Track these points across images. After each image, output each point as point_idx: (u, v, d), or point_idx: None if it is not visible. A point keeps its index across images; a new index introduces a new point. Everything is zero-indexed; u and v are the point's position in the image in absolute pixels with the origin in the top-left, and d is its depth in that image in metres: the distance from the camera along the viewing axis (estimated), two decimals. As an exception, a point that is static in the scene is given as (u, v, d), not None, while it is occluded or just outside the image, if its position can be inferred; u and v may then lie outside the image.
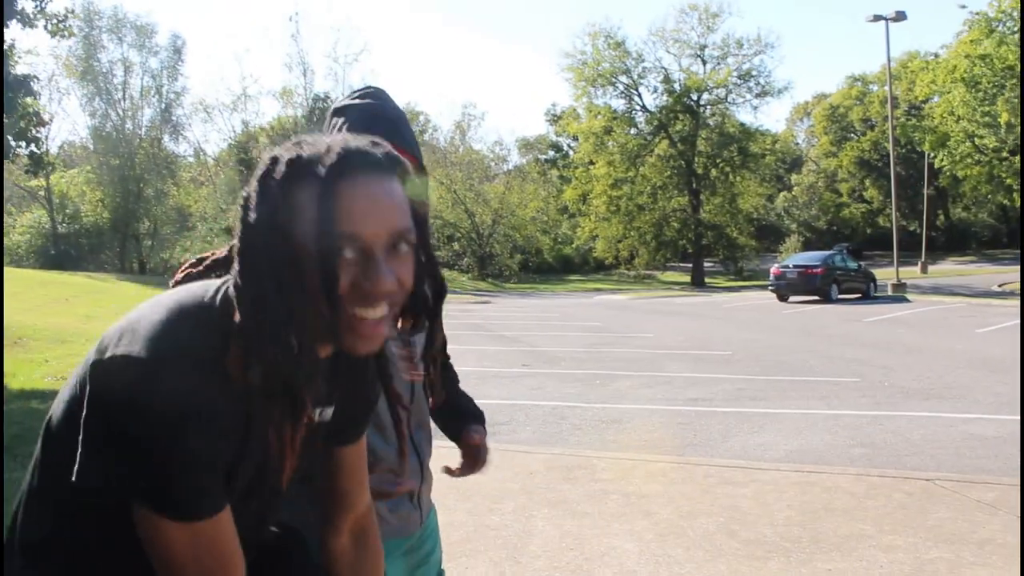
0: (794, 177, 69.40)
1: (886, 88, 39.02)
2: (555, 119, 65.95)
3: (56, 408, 1.16)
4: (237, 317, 1.06)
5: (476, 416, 2.16)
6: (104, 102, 45.41)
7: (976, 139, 31.03)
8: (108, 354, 1.05)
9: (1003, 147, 30.84)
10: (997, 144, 30.78)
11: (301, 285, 1.05)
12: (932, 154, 35.09)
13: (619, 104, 47.53)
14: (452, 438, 2.13)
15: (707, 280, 44.43)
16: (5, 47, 12.97)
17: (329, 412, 1.27)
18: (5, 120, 12.64)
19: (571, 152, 59.79)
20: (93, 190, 44.88)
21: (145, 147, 46.43)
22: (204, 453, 1.04)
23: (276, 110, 72.63)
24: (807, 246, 54.31)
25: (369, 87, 1.89)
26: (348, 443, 1.39)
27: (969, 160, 31.56)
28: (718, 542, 4.44)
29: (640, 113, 47.79)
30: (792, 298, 26.48)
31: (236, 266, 1.10)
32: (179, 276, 1.36)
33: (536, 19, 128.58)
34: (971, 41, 30.24)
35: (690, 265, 46.78)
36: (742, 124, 46.70)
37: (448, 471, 2.11)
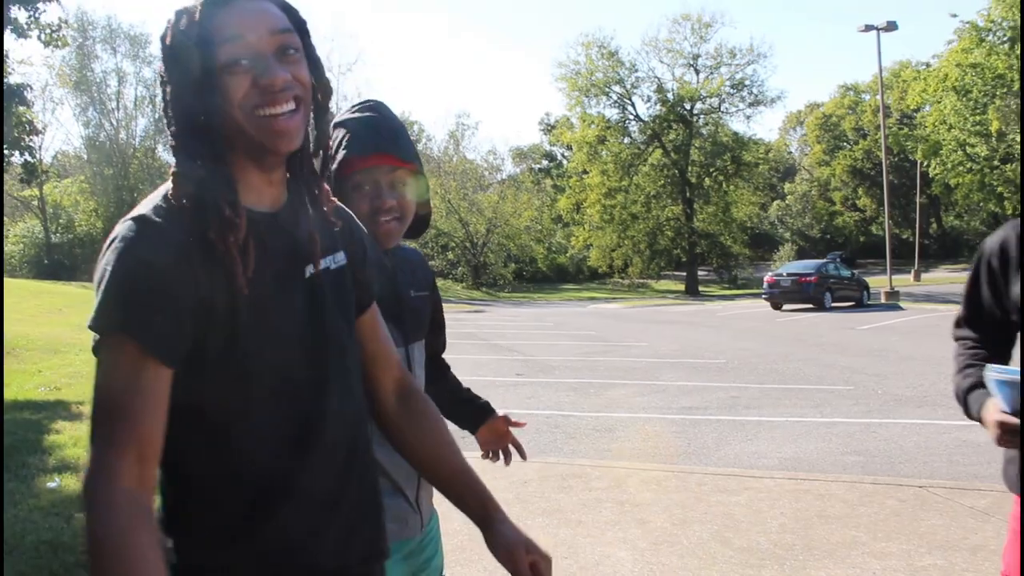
0: (787, 186, 69.61)
1: (878, 97, 39.18)
2: (549, 128, 66.08)
3: None
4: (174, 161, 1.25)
5: (488, 406, 2.32)
6: (98, 112, 45.43)
7: (968, 148, 31.20)
8: None
9: (994, 155, 31.00)
10: (988, 152, 30.95)
11: (211, 103, 1.21)
12: (924, 163, 35.28)
13: (612, 113, 47.67)
14: (472, 429, 2.30)
15: (701, 289, 44.50)
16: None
17: (340, 259, 1.41)
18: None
19: (565, 161, 59.93)
20: (87, 200, 44.82)
21: (139, 157, 46.39)
22: (148, 289, 1.16)
23: (269, 120, 72.49)
24: (801, 254, 54.47)
25: (368, 100, 1.96)
26: (363, 306, 1.51)
27: (961, 168, 31.72)
28: (712, 550, 4.45)
29: (634, 122, 47.92)
30: (786, 306, 26.55)
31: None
32: None
33: (530, 29, 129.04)
34: (962, 50, 30.44)
35: (684, 274, 46.82)
36: (735, 133, 46.85)
37: (488, 456, 2.34)
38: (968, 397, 2.04)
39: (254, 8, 1.25)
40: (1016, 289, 1.99)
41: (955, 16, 30.77)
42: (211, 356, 1.21)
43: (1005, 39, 29.30)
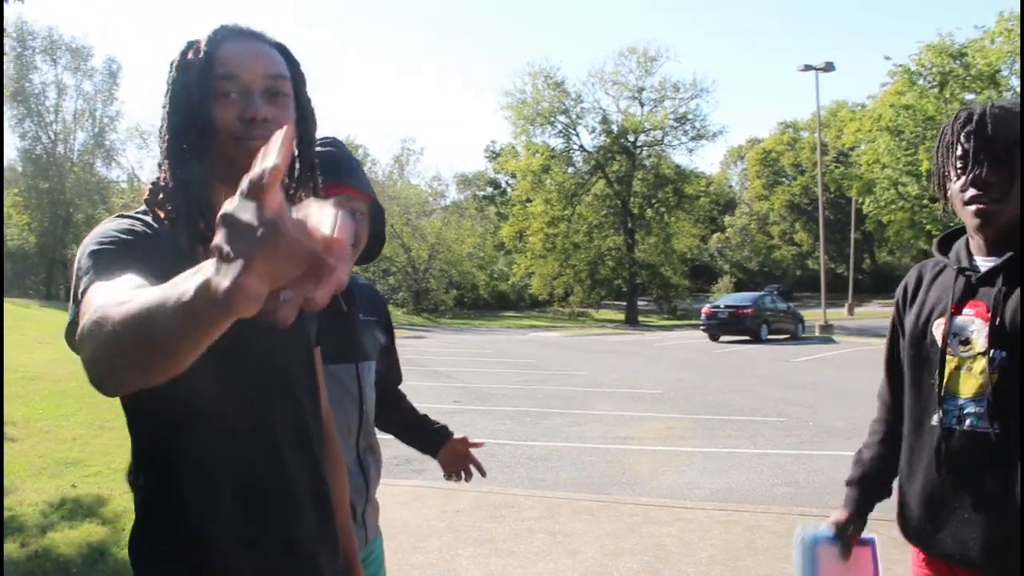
0: (727, 219, 70.83)
1: (816, 135, 40.18)
2: (494, 156, 66.36)
3: None
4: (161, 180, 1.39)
5: (445, 429, 2.47)
6: (35, 124, 44.47)
7: (900, 186, 32.03)
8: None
9: (924, 194, 31.88)
10: (919, 191, 31.82)
11: (200, 131, 1.34)
12: (859, 200, 36.11)
13: (557, 143, 48.01)
14: (432, 452, 2.42)
15: (641, 319, 44.86)
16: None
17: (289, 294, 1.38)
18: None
19: (509, 189, 60.14)
20: (20, 213, 43.68)
21: (76, 171, 45.47)
22: (118, 245, 1.26)
23: (213, 139, 71.67)
24: (739, 287, 55.29)
25: (327, 137, 2.09)
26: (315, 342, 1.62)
27: (893, 206, 32.52)
28: (641, 581, 4.43)
29: (578, 152, 48.33)
30: (723, 337, 26.89)
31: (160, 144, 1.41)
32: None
33: (478, 57, 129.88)
34: (895, 92, 31.33)
35: (624, 303, 47.19)
36: (677, 166, 47.51)
37: (451, 477, 2.45)
38: (847, 485, 2.24)
39: (254, 48, 1.40)
40: (909, 319, 2.03)
41: (888, 59, 31.79)
42: None
43: (934, 83, 30.28)
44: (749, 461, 7.88)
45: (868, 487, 2.18)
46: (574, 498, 6.29)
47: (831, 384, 14.21)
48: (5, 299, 30.91)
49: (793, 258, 68.98)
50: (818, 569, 2.09)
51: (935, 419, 1.90)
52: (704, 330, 27.42)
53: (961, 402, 1.86)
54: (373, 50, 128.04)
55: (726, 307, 27.15)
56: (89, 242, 1.27)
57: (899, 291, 2.13)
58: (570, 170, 47.93)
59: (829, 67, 32.06)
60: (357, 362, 2.02)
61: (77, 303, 1.21)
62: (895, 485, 2.14)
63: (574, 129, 47.62)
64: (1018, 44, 29.42)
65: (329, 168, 1.91)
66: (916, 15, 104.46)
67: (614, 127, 46.79)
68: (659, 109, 47.25)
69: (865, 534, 2.19)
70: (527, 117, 46.71)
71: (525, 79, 47.34)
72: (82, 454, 7.00)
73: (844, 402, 11.74)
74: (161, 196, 1.37)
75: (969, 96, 29.92)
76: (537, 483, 7.00)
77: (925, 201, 31.72)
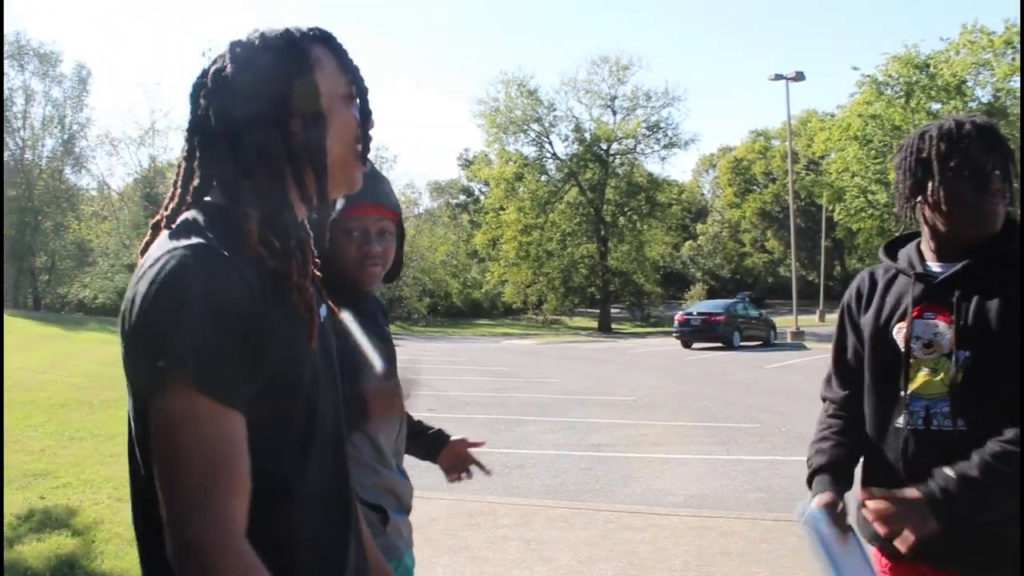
0: (699, 226, 71.22)
1: (787, 143, 40.58)
2: (467, 164, 66.39)
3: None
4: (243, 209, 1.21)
5: (442, 433, 2.45)
6: (2, 130, 43.84)
7: (869, 194, 32.44)
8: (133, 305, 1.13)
9: (893, 202, 32.29)
10: (888, 199, 32.23)
11: (318, 138, 1.25)
12: (829, 207, 36.55)
13: (530, 151, 48.10)
14: (432, 458, 2.41)
15: (614, 326, 44.99)
16: None
17: (324, 311, 1.38)
18: None
19: (482, 197, 60.16)
20: (-14, 221, 43.08)
21: (45, 178, 44.90)
22: (228, 338, 1.10)
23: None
24: (711, 294, 55.60)
25: None
26: None
27: (863, 214, 32.92)
28: (616, 588, 4.45)
29: (551, 160, 48.45)
30: (696, 344, 27.03)
31: (224, 160, 1.23)
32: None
33: (452, 65, 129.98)
34: (863, 102, 31.74)
35: (597, 311, 47.30)
36: (650, 174, 47.74)
37: (454, 480, 2.42)
38: (812, 481, 2.16)
39: (345, 54, 1.33)
40: (867, 323, 2.06)
41: (857, 69, 32.11)
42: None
43: (901, 93, 30.71)
44: (722, 467, 7.93)
45: (839, 471, 2.11)
46: (549, 505, 6.30)
47: (803, 390, 14.32)
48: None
49: (765, 265, 69.50)
50: (833, 545, 2.01)
51: (900, 421, 1.94)
52: (677, 337, 27.55)
53: (927, 403, 1.90)
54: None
55: (699, 314, 27.30)
56: (188, 323, 1.08)
57: (850, 295, 2.15)
58: (543, 178, 48.04)
59: (799, 76, 32.40)
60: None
61: (161, 414, 1.09)
62: (855, 485, 2.15)
63: (547, 137, 47.77)
64: (981, 56, 29.92)
65: (365, 188, 1.90)
66: (883, 27, 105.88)
67: (587, 135, 46.97)
68: (631, 117, 47.49)
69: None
70: (500, 125, 46.78)
71: (498, 87, 47.32)
72: (51, 465, 6.91)
73: (816, 408, 11.73)
74: (267, 234, 1.19)
75: (935, 106, 30.39)
76: (512, 491, 7.00)
77: (894, 208, 32.14)
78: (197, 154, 1.27)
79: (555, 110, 47.64)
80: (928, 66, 30.37)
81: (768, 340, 28.48)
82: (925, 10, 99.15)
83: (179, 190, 1.28)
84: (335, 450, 1.32)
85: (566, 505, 6.34)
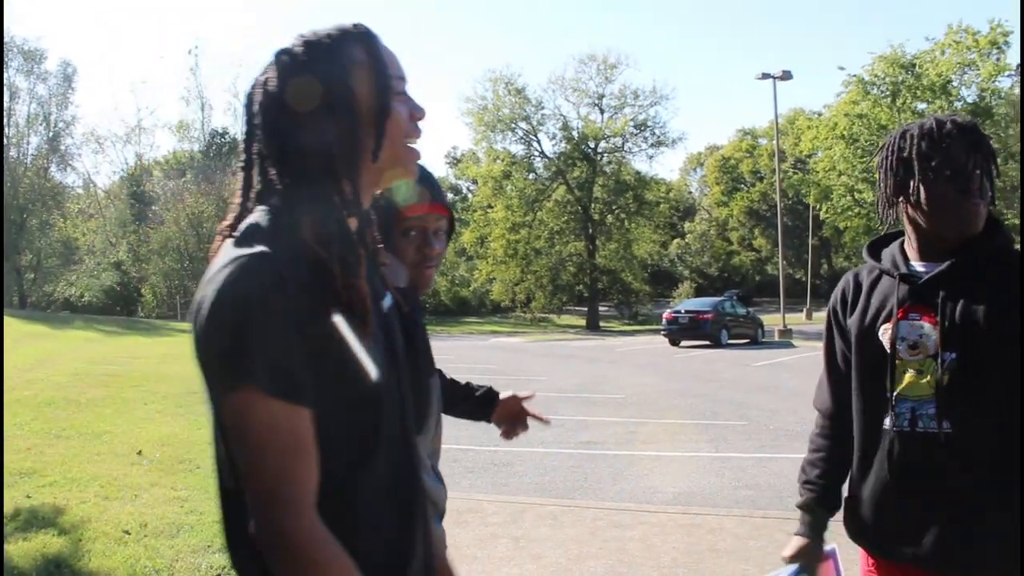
0: (687, 225, 71.41)
1: (774, 142, 40.71)
2: (455, 162, 66.39)
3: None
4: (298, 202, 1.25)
5: (491, 391, 2.42)
6: (-14, 128, 43.55)
7: (855, 193, 32.59)
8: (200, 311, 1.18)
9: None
10: (874, 198, 32.38)
11: (380, 134, 1.30)
12: (816, 206, 36.70)
13: (518, 149, 48.09)
14: (487, 418, 2.40)
15: (602, 324, 45.05)
16: None
17: (388, 302, 1.44)
18: None
19: (470, 195, 60.15)
20: (-30, 219, 42.80)
21: (30, 176, 44.63)
22: (292, 339, 1.16)
23: (172, 144, 71.02)
24: (699, 292, 55.73)
25: None
26: None
27: (849, 213, 33.08)
28: (605, 585, 4.45)
29: (539, 159, 48.45)
30: (684, 342, 27.09)
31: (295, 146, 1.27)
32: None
33: (439, 62, 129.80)
34: (850, 101, 31.89)
35: (585, 309, 47.34)
36: (638, 172, 47.79)
37: (510, 436, 2.42)
38: (800, 509, 2.24)
39: (390, 52, 1.37)
40: (853, 325, 2.06)
41: (843, 69, 32.25)
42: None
43: (887, 92, 30.86)
44: (710, 465, 7.95)
45: (821, 510, 2.18)
46: (537, 503, 6.30)
47: (790, 388, 14.38)
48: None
49: (752, 263, 69.75)
50: None
51: (887, 422, 1.94)
52: (665, 335, 27.61)
53: (913, 404, 1.90)
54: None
55: (686, 312, 27.37)
56: (253, 328, 1.14)
57: (836, 298, 2.15)
58: (531, 176, 48.05)
59: (787, 76, 32.53)
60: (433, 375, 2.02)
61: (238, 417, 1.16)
62: (844, 489, 2.17)
63: (535, 135, 47.77)
64: (967, 56, 30.10)
65: (424, 186, 1.90)
66: (869, 26, 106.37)
67: (575, 133, 46.98)
68: (619, 116, 47.52)
69: (825, 545, 2.21)
70: (488, 123, 46.74)
71: (486, 85, 47.24)
72: (37, 464, 6.87)
73: (803, 405, 11.85)
74: (320, 237, 1.24)
75: (921, 105, 30.55)
76: (500, 488, 7.00)
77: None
78: (254, 162, 1.31)
79: (543, 108, 47.66)
80: (914, 66, 30.54)
81: (756, 338, 28.58)
82: (911, 10, 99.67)
83: (240, 198, 1.33)
84: (401, 443, 1.35)
85: (555, 503, 6.34)
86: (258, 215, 1.27)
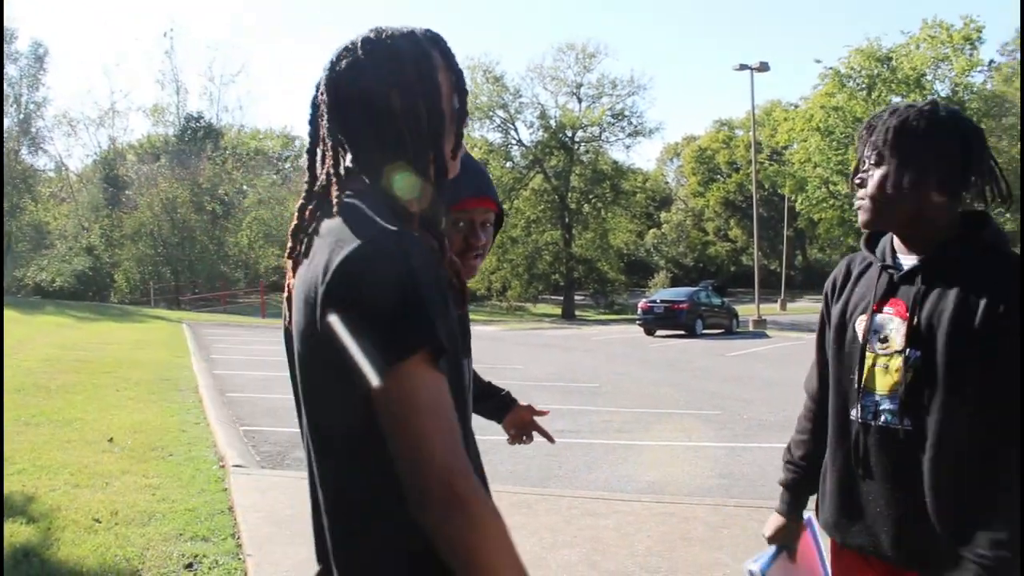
0: (663, 215, 71.66)
1: (750, 133, 40.87)
2: (432, 149, 65.92)
3: (317, 407, 1.32)
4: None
5: (509, 396, 2.50)
6: (-46, 111, 42.80)
7: (830, 185, 32.84)
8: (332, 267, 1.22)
9: (854, 193, 32.80)
10: (849, 190, 32.65)
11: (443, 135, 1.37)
12: (791, 197, 36.96)
13: (496, 137, 48.00)
14: (498, 419, 2.47)
15: (578, 313, 45.16)
16: None
17: None
18: None
19: (447, 183, 59.84)
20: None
21: (-1, 159, 43.94)
22: (445, 309, 1.24)
23: (146, 128, 70.35)
24: (674, 282, 56.02)
25: None
26: None
27: (824, 204, 33.35)
28: (580, 573, 4.47)
29: (516, 147, 48.39)
30: (659, 332, 27.21)
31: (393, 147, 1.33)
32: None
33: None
34: (826, 94, 32.10)
35: (561, 298, 47.43)
36: (615, 162, 47.89)
37: (515, 443, 2.50)
38: (781, 486, 2.28)
39: (453, 55, 1.44)
40: (835, 313, 2.07)
41: (820, 62, 32.53)
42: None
43: (863, 85, 31.08)
44: (684, 454, 8.00)
45: (801, 490, 2.22)
46: (512, 491, 6.30)
47: (764, 378, 14.49)
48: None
49: (728, 254, 70.11)
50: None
51: (853, 413, 1.95)
52: (640, 325, 27.71)
53: (877, 398, 1.90)
54: (310, 38, 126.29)
55: (662, 302, 27.48)
56: (430, 309, 1.20)
57: (828, 284, 2.16)
58: (508, 164, 47.99)
59: (764, 67, 32.63)
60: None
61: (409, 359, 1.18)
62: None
63: (512, 124, 47.69)
64: (941, 51, 30.36)
65: (476, 178, 1.97)
66: (847, 19, 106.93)
67: (552, 122, 46.96)
68: (597, 105, 47.55)
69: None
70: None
71: (464, 73, 47.10)
72: (6, 451, 6.78)
73: (777, 395, 11.98)
74: (425, 215, 1.36)
75: (896, 99, 30.80)
76: (475, 477, 6.99)
77: (855, 199, 32.66)
78: (342, 139, 1.36)
79: (521, 97, 47.60)
80: (890, 59, 30.79)
81: (730, 328, 28.75)
82: (888, 4, 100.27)
83: (329, 174, 1.36)
84: (467, 414, 1.43)
85: (530, 491, 6.35)
86: (359, 193, 1.33)
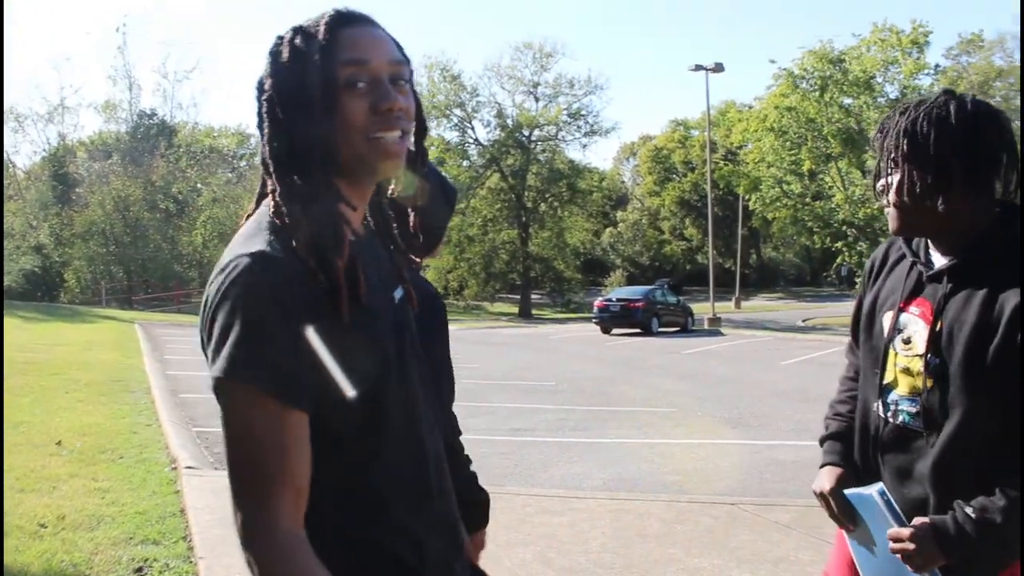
0: (619, 214, 72.01)
1: (706, 133, 41.25)
2: (389, 148, 65.57)
3: None
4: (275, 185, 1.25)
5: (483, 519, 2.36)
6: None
7: (784, 184, 33.23)
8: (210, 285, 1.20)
9: (807, 193, 33.20)
10: (802, 190, 33.11)
11: (328, 123, 1.23)
12: (746, 197, 37.33)
13: (452, 136, 47.89)
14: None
15: (534, 312, 45.21)
16: None
17: (399, 293, 1.43)
18: None
19: (404, 182, 59.59)
20: None
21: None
22: (291, 338, 1.16)
23: (98, 124, 69.01)
24: (631, 281, 56.30)
25: None
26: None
27: (778, 204, 33.71)
28: (534, 571, 4.48)
29: (473, 146, 48.35)
30: (615, 330, 27.34)
31: (265, 136, 1.27)
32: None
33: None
34: (780, 94, 32.46)
35: (518, 297, 47.47)
36: (571, 161, 48.07)
37: None
38: (823, 445, 2.15)
39: (375, 33, 1.30)
40: (867, 302, 2.05)
41: (774, 62, 32.86)
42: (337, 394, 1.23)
43: (815, 86, 31.50)
44: (639, 451, 8.05)
45: (850, 440, 2.09)
46: (468, 490, 6.30)
47: (719, 375, 14.64)
48: None
49: (683, 253, 70.65)
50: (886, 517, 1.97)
51: (875, 406, 1.95)
52: (596, 323, 27.83)
53: (897, 397, 1.90)
54: (260, 39, 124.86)
55: (618, 301, 27.62)
56: (247, 339, 1.14)
57: (868, 264, 2.13)
58: (465, 163, 47.92)
59: (719, 68, 32.96)
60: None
61: (226, 394, 1.17)
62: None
63: (469, 122, 47.65)
64: (890, 54, 30.90)
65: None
66: (801, 21, 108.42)
67: (509, 121, 47.01)
68: (554, 104, 47.70)
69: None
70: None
71: (421, 71, 46.86)
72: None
73: (731, 393, 12.11)
74: (287, 218, 1.23)
75: (847, 100, 31.30)
76: (431, 476, 6.98)
77: (808, 199, 33.04)
78: (266, 149, 1.30)
79: (478, 95, 47.61)
80: (842, 61, 31.22)
81: (686, 326, 28.99)
82: (841, 6, 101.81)
83: (257, 194, 1.35)
84: (409, 434, 1.35)
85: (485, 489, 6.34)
86: (260, 211, 1.29)
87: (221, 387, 1.16)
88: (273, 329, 1.15)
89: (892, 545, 1.81)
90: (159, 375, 12.63)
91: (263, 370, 1.14)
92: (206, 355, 1.20)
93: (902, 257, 2.01)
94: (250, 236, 1.23)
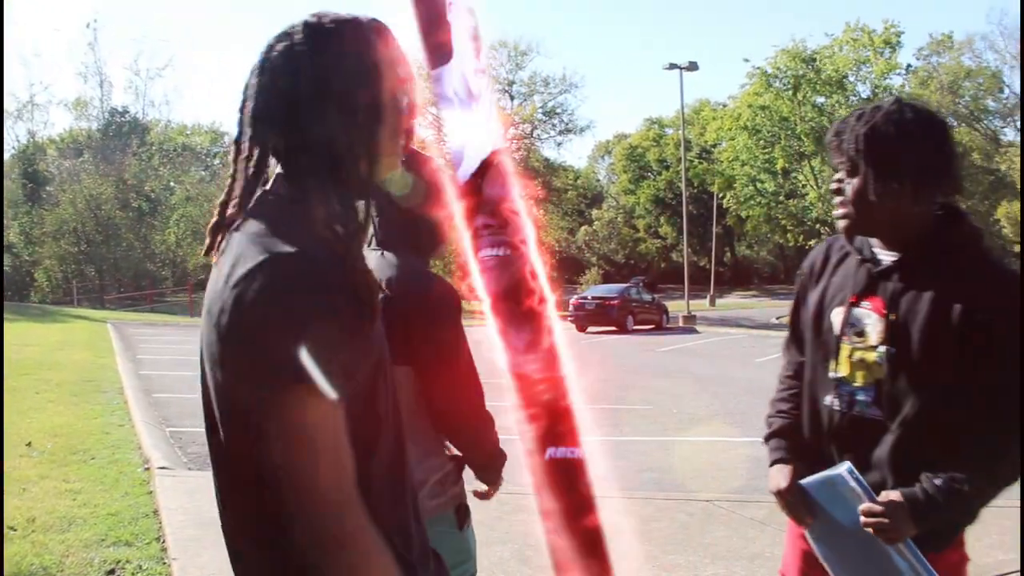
0: (594, 212, 72.06)
1: (680, 132, 41.43)
2: (364, 146, 65.39)
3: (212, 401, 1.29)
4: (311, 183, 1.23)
5: None
6: None
7: (757, 183, 33.46)
8: (232, 284, 1.16)
9: (780, 191, 33.44)
10: (775, 188, 33.35)
11: (374, 134, 1.26)
12: (720, 195, 37.58)
13: (427, 134, 47.76)
14: None
15: (511, 310, 45.20)
16: None
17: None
18: None
19: (379, 180, 59.52)
20: None
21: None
22: (333, 337, 1.15)
23: (68, 121, 68.20)
24: (606, 279, 56.33)
25: None
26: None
27: (752, 202, 33.97)
28: (511, 569, 4.48)
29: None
30: (590, 328, 27.36)
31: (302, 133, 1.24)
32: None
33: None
34: (753, 93, 32.69)
35: (494, 295, 47.47)
36: (546, 159, 48.21)
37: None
38: (768, 443, 2.20)
39: (400, 45, 1.32)
40: (813, 298, 2.10)
41: (748, 61, 33.09)
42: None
43: (788, 85, 31.75)
44: (615, 448, 8.07)
45: (796, 434, 2.14)
46: (444, 489, 6.29)
47: (694, 372, 14.71)
48: None
49: (658, 251, 70.87)
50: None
51: (827, 399, 2.01)
52: (572, 321, 27.82)
53: (852, 388, 1.96)
54: (233, 38, 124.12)
55: (593, 298, 27.66)
56: (306, 328, 1.13)
57: (806, 265, 2.19)
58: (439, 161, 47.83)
59: (693, 66, 33.08)
60: None
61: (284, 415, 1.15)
62: None
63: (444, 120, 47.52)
64: (862, 54, 31.19)
65: None
66: (775, 20, 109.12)
67: (485, 119, 46.94)
68: (528, 103, 47.79)
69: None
70: (397, 107, 46.34)
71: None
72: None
73: (706, 390, 12.17)
74: (340, 224, 1.22)
75: (820, 99, 31.56)
76: (407, 475, 6.96)
77: (781, 197, 33.27)
78: (267, 140, 1.27)
79: (453, 93, 47.45)
80: (815, 60, 31.49)
81: (661, 324, 29.07)
82: (815, 5, 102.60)
83: (249, 169, 1.28)
84: (395, 425, 1.36)
85: (462, 488, 6.34)
86: (270, 208, 1.25)
87: (285, 390, 1.13)
88: (328, 330, 1.14)
89: (865, 519, 1.85)
90: (132, 375, 12.51)
91: (328, 370, 1.13)
92: (223, 355, 1.18)
93: (846, 255, 2.07)
94: (277, 234, 1.20)
